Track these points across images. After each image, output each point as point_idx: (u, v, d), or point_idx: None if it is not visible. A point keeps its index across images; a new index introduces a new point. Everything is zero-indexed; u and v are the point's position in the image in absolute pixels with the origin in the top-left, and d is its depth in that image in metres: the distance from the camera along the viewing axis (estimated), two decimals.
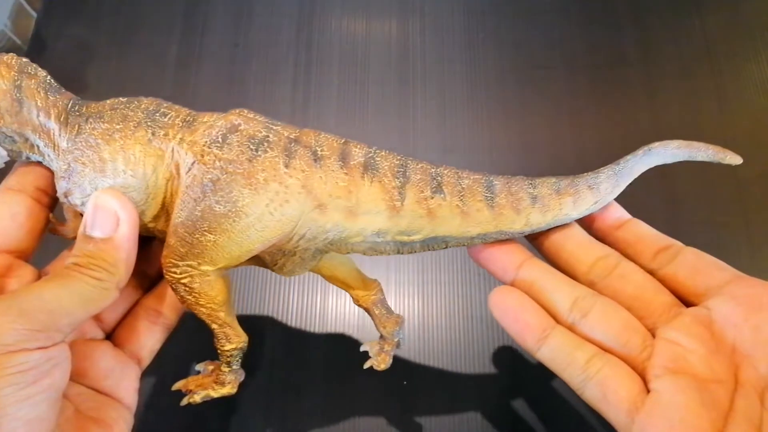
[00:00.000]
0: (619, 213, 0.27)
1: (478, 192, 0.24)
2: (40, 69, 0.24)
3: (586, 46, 0.44)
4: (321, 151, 0.24)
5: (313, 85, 0.44)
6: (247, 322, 0.38)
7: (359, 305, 0.30)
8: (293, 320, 0.37)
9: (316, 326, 0.37)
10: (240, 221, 0.22)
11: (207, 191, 0.22)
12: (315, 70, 0.44)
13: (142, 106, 0.24)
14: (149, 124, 0.23)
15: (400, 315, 0.31)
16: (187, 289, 0.23)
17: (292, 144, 0.23)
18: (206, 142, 0.23)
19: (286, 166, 0.23)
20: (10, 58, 0.24)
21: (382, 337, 0.30)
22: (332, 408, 0.34)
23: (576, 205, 0.25)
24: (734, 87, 0.41)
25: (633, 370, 0.23)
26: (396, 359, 0.34)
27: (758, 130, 0.40)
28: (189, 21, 0.47)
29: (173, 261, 0.23)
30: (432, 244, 0.25)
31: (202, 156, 0.22)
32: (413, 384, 0.35)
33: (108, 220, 0.22)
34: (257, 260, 0.26)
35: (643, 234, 0.26)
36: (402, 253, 0.26)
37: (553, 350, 0.24)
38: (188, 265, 0.23)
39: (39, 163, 0.25)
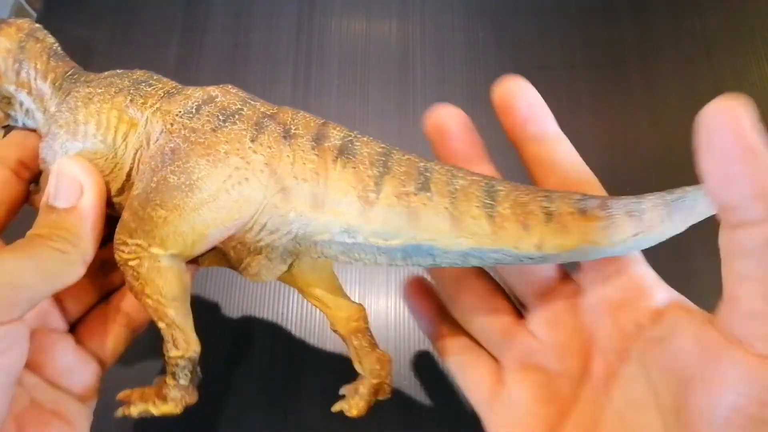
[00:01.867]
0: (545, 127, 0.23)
1: (474, 196, 0.20)
2: (50, 36, 0.24)
3: (586, 46, 0.44)
4: (294, 129, 0.21)
5: (313, 85, 0.44)
6: (246, 324, 0.38)
7: (336, 331, 0.25)
8: (293, 325, 0.37)
9: (315, 334, 0.37)
10: (193, 196, 0.20)
11: (165, 160, 0.20)
12: (315, 70, 0.44)
13: (134, 76, 0.23)
14: (131, 91, 0.22)
15: (386, 353, 0.25)
16: (134, 273, 0.21)
17: (266, 119, 0.21)
18: (179, 111, 0.21)
19: (252, 141, 0.20)
20: (24, 22, 0.24)
21: (359, 376, 0.25)
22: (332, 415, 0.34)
23: (608, 233, 0.19)
24: (734, 87, 0.41)
25: (494, 361, 0.24)
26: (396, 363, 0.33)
27: None
28: (189, 21, 0.47)
29: (123, 238, 0.21)
30: (416, 256, 0.21)
31: (171, 125, 0.21)
32: (413, 384, 0.35)
33: (71, 189, 0.21)
34: (220, 256, 0.23)
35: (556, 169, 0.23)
36: (381, 265, 0.21)
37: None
38: (137, 245, 0.20)
39: (28, 134, 0.24)
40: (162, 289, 0.21)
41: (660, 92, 0.42)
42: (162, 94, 0.22)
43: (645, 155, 0.40)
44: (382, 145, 0.21)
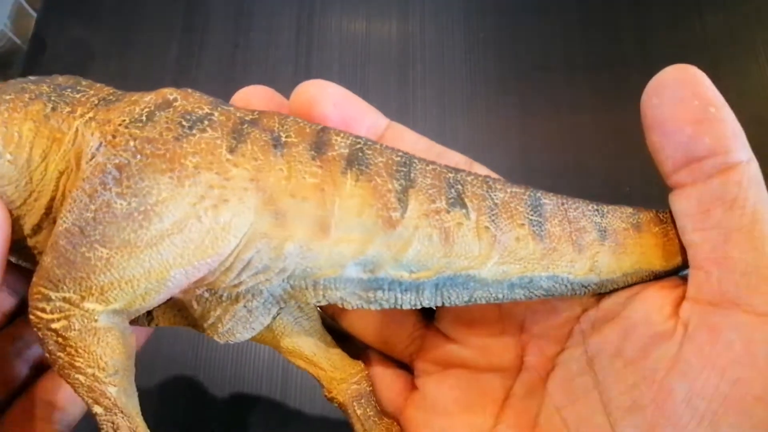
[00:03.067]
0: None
1: (518, 212, 0.16)
2: None
3: (586, 46, 0.44)
4: (285, 136, 0.16)
5: None
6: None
7: (331, 399, 0.20)
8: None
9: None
10: (150, 227, 0.15)
11: (108, 181, 0.15)
12: (315, 70, 0.44)
13: (56, 81, 0.17)
14: (52, 97, 0.17)
15: (394, 423, 0.20)
16: (59, 340, 0.15)
17: (246, 125, 0.16)
18: (123, 120, 0.16)
19: (231, 152, 0.15)
20: None
21: None
22: None
23: (665, 254, 0.17)
24: (735, 88, 0.41)
25: (397, 367, 0.21)
26: None
27: (759, 131, 0.40)
28: (189, 21, 0.47)
29: (44, 291, 0.15)
30: (449, 291, 0.17)
31: (114, 137, 0.15)
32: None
33: None
34: (177, 309, 0.18)
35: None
36: (402, 307, 0.17)
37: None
38: (65, 299, 0.15)
39: None
40: (99, 359, 0.15)
41: None
42: (96, 102, 0.17)
43: (645, 155, 0.40)
44: (400, 153, 0.17)
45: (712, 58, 0.43)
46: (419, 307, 0.17)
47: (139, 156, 0.15)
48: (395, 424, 0.20)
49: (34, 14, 0.48)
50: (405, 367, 0.22)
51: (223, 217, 0.15)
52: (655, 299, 0.16)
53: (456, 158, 0.19)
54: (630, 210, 0.18)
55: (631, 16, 0.45)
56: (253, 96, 0.19)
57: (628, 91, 0.43)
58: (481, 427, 0.19)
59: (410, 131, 0.20)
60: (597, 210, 0.17)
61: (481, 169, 0.20)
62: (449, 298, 0.17)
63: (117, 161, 0.15)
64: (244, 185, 0.15)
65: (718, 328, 0.15)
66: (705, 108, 0.16)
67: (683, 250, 0.17)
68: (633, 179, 0.39)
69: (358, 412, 0.20)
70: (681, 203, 0.16)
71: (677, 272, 0.17)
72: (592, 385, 0.17)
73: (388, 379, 0.21)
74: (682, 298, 0.16)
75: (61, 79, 0.17)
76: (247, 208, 0.15)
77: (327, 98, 0.18)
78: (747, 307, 0.15)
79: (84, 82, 0.18)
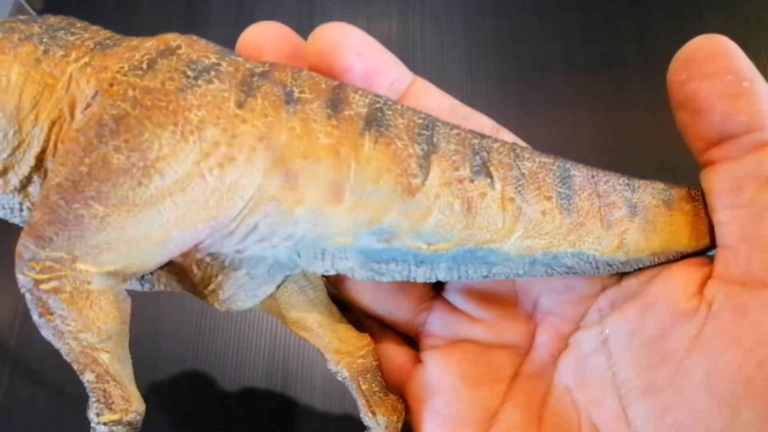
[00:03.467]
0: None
1: (546, 184, 0.16)
2: None
3: (586, 46, 0.44)
4: (299, 91, 0.15)
5: None
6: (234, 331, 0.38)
7: (336, 372, 0.20)
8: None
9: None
10: (150, 184, 0.14)
11: (104, 133, 0.14)
12: None
13: (48, 21, 0.16)
14: (44, 39, 0.15)
15: (400, 399, 0.20)
16: (48, 301, 0.14)
17: (256, 78, 0.15)
18: (122, 68, 0.14)
19: (239, 106, 0.14)
20: None
21: (367, 430, 0.20)
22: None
23: (695, 234, 0.16)
24: None
25: (400, 339, 0.20)
26: None
27: None
28: (189, 20, 0.46)
29: (33, 248, 0.14)
30: (466, 266, 0.16)
31: (111, 85, 0.14)
32: None
33: None
34: (176, 275, 0.17)
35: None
36: (414, 280, 0.17)
37: None
38: (56, 259, 0.14)
39: None
40: (92, 324, 0.14)
41: (660, 92, 0.42)
42: (92, 45, 0.15)
43: (645, 155, 0.40)
44: (422, 115, 0.16)
45: None
46: (434, 281, 0.17)
47: (139, 107, 0.14)
48: (401, 400, 0.20)
49: (34, 13, 0.48)
50: (409, 340, 0.21)
51: (229, 176, 0.14)
52: (680, 277, 0.16)
53: (482, 121, 0.19)
54: (662, 185, 0.17)
55: (631, 16, 0.45)
56: (264, 36, 0.18)
57: (628, 91, 0.43)
58: (488, 405, 0.18)
59: (436, 89, 0.19)
60: (628, 184, 0.16)
61: (509, 135, 0.19)
62: (466, 272, 0.16)
63: (114, 112, 0.14)
64: (252, 143, 0.14)
65: (745, 308, 0.14)
66: (738, 82, 0.15)
67: (712, 230, 0.16)
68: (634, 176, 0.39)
69: (363, 387, 0.19)
70: (711, 181, 0.15)
71: (705, 253, 0.17)
72: (605, 365, 0.16)
73: (391, 351, 0.20)
74: (708, 277, 0.15)
75: (53, 20, 0.16)
76: (255, 168, 0.14)
77: (351, 46, 0.17)
78: None
79: (79, 24, 0.16)
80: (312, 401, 0.34)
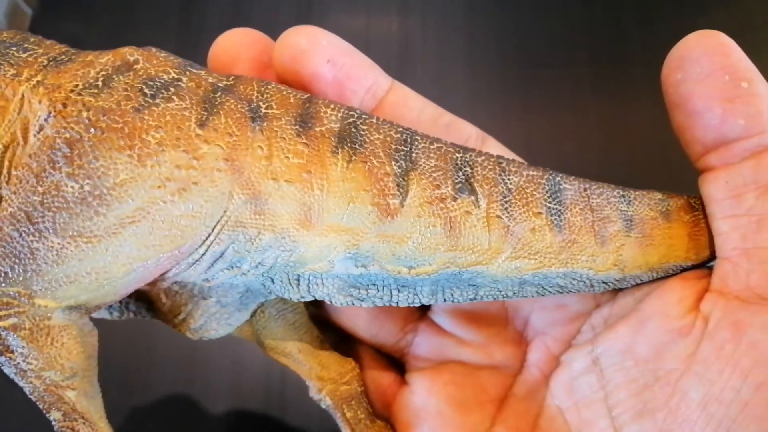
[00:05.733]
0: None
1: (535, 199, 0.15)
2: None
3: (590, 43, 0.44)
4: (265, 107, 0.14)
5: None
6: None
7: (319, 400, 0.19)
8: None
9: None
10: (107, 214, 0.13)
11: (57, 159, 0.13)
12: None
13: (0, 37, 0.15)
14: None
15: (387, 425, 0.19)
16: (8, 339, 0.13)
17: (219, 93, 0.14)
18: (76, 86, 0.14)
19: (201, 126, 0.13)
20: None
21: None
22: None
23: (696, 246, 0.15)
24: None
25: (385, 361, 0.19)
26: None
27: None
28: (185, 17, 0.46)
29: None
30: (451, 289, 0.15)
31: (65, 105, 0.13)
32: None
33: None
34: (146, 302, 0.17)
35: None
36: (399, 305, 0.16)
37: None
38: (12, 294, 0.13)
39: None
40: (54, 361, 0.13)
41: None
42: (45, 62, 0.14)
43: (649, 153, 0.40)
44: (399, 129, 0.15)
45: None
46: (417, 305, 0.16)
47: (93, 130, 0.13)
48: (388, 427, 0.19)
49: (30, 11, 0.48)
50: (394, 360, 0.20)
51: (192, 203, 0.13)
52: (675, 291, 0.15)
53: (467, 130, 0.18)
54: (659, 196, 0.16)
55: (636, 12, 0.44)
56: (239, 44, 0.17)
57: (633, 88, 0.43)
58: (476, 429, 0.17)
59: (416, 95, 0.18)
60: (623, 196, 0.15)
61: (495, 145, 0.18)
62: (452, 295, 0.16)
63: (68, 135, 0.13)
64: (216, 165, 0.13)
65: (744, 326, 0.13)
66: (736, 83, 0.14)
67: (713, 241, 0.15)
68: (637, 177, 0.39)
69: (348, 415, 0.19)
70: (709, 187, 0.15)
71: (706, 264, 0.16)
72: (597, 385, 0.16)
73: (374, 373, 0.20)
74: (706, 290, 0.15)
75: (5, 35, 0.15)
76: (220, 192, 0.13)
77: (320, 52, 0.16)
78: None
79: (32, 39, 0.15)
80: (309, 424, 0.34)
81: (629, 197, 0.15)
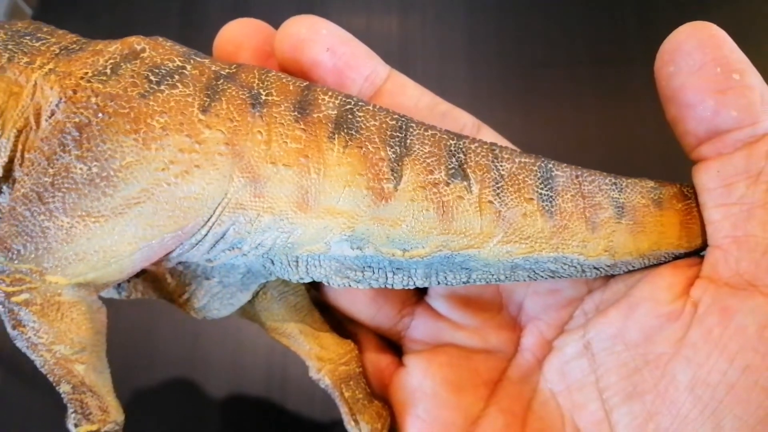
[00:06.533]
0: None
1: (527, 185, 0.15)
2: None
3: (590, 44, 0.44)
4: (266, 94, 0.15)
5: None
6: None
7: (318, 380, 0.19)
8: None
9: None
10: (114, 194, 0.13)
11: (67, 143, 0.14)
12: None
13: (15, 26, 0.16)
14: (9, 47, 0.15)
15: (384, 406, 0.19)
16: (20, 314, 0.14)
17: (221, 81, 0.15)
18: (86, 73, 0.14)
19: (203, 111, 0.14)
20: None
21: None
22: None
23: (688, 234, 0.16)
24: None
25: (382, 343, 0.20)
26: None
27: None
28: (186, 17, 0.46)
29: (2, 261, 0.14)
30: (444, 272, 0.16)
31: (75, 92, 0.14)
32: None
33: None
34: (150, 283, 0.17)
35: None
36: (392, 286, 0.16)
37: None
38: (25, 271, 0.14)
39: None
40: (64, 336, 0.14)
41: None
42: (57, 51, 0.15)
43: (650, 152, 0.40)
44: (395, 116, 0.15)
45: None
46: (411, 287, 0.16)
47: (100, 114, 0.14)
48: (385, 407, 0.19)
49: (30, 11, 0.48)
50: (392, 343, 0.21)
51: (194, 185, 0.14)
52: (665, 277, 0.15)
53: (463, 119, 0.18)
54: (651, 184, 0.16)
55: (636, 12, 0.44)
56: (242, 33, 0.17)
57: (632, 86, 0.43)
58: (470, 410, 0.18)
59: (413, 84, 0.18)
60: (615, 183, 0.16)
61: (490, 133, 0.18)
62: (445, 278, 0.16)
63: (77, 120, 0.14)
64: (217, 149, 0.14)
65: (732, 311, 0.14)
66: (728, 75, 0.14)
67: (705, 229, 0.15)
68: (636, 176, 0.39)
69: (346, 394, 0.19)
70: (702, 178, 0.15)
71: (699, 253, 0.16)
72: (589, 369, 0.16)
73: (372, 355, 0.20)
74: (696, 277, 0.15)
75: (20, 25, 0.16)
76: (221, 175, 0.14)
77: (320, 41, 0.16)
78: (766, 289, 0.13)
79: (45, 28, 0.16)
80: (311, 407, 0.34)
81: (621, 185, 0.16)
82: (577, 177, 0.16)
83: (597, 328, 0.16)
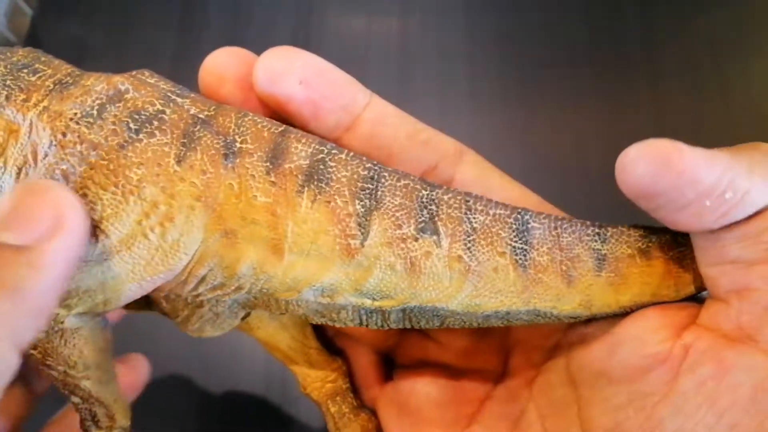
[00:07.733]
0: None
1: (500, 238, 0.15)
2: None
3: (589, 44, 0.44)
4: (241, 141, 0.15)
5: None
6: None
7: (307, 394, 0.20)
8: None
9: None
10: (96, 244, 0.14)
11: None
12: None
13: (13, 58, 0.16)
14: (8, 82, 0.15)
15: (371, 417, 0.20)
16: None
17: (198, 127, 0.15)
18: (74, 114, 0.15)
19: (179, 162, 0.14)
20: None
21: None
22: None
23: (677, 284, 0.15)
24: (740, 85, 0.41)
25: (374, 355, 0.20)
26: None
27: (764, 129, 0.40)
28: (186, 18, 0.46)
29: None
30: (417, 317, 0.16)
31: (63, 134, 0.15)
32: None
33: (42, 218, 0.13)
34: (149, 303, 0.18)
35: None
36: (368, 326, 0.16)
37: None
38: None
39: None
40: (68, 359, 0.15)
41: (665, 90, 0.42)
42: (51, 86, 0.15)
43: None
44: (368, 165, 0.15)
45: (716, 56, 0.42)
46: (387, 329, 0.17)
47: (83, 165, 0.14)
48: (372, 419, 0.20)
49: (30, 12, 0.48)
50: (383, 356, 0.21)
51: (170, 235, 0.14)
52: (652, 319, 0.15)
53: (444, 146, 0.18)
54: (640, 232, 0.15)
55: (636, 13, 0.44)
56: (225, 64, 0.17)
57: (633, 89, 0.43)
58: (453, 427, 0.18)
59: (394, 111, 0.18)
60: (598, 234, 0.15)
61: (473, 158, 0.18)
62: (419, 323, 0.16)
63: (64, 167, 0.14)
64: (190, 203, 0.14)
65: (728, 366, 0.13)
66: (681, 194, 0.14)
67: (699, 277, 0.15)
68: None
69: (332, 409, 0.20)
70: (694, 236, 0.15)
71: (688, 299, 0.16)
72: (572, 399, 0.16)
73: (362, 367, 0.21)
74: (687, 321, 0.15)
75: (20, 54, 0.16)
76: (195, 227, 0.15)
77: (293, 73, 0.16)
78: (766, 345, 0.13)
79: (43, 58, 0.16)
80: (311, 407, 0.34)
81: (605, 235, 0.15)
82: (555, 228, 0.15)
83: (579, 363, 0.16)
